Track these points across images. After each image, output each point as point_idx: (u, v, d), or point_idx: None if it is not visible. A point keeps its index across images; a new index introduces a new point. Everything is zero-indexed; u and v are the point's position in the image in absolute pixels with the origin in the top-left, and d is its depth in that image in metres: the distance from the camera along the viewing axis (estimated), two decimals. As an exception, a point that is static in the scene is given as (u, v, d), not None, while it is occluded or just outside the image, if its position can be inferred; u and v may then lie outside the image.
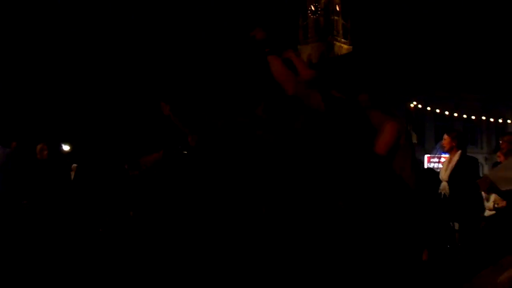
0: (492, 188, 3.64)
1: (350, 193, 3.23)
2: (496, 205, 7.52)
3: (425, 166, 34.27)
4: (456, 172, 7.21)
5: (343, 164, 3.27)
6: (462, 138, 7.72)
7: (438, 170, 9.22)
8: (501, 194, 4.20)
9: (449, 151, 7.50)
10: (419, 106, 40.63)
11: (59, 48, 43.32)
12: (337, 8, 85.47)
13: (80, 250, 6.80)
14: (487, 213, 7.53)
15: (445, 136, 7.59)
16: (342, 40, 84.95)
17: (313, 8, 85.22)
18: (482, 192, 7.66)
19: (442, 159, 30.39)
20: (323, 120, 3.30)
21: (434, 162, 35.87)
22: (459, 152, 7.37)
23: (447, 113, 41.81)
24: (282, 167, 3.67)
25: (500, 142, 7.36)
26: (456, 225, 7.59)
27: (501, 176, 3.62)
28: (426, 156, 39.81)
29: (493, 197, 7.52)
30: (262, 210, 3.80)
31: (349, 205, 3.21)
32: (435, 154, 38.21)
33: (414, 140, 46.57)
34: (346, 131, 3.32)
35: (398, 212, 3.42)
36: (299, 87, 3.35)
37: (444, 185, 7.33)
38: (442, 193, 7.30)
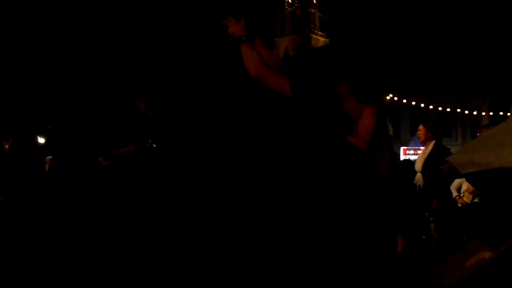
0: (453, 172, 3.66)
1: (326, 182, 3.22)
2: (457, 198, 7.62)
3: (401, 158, 34.56)
4: (429, 162, 7.23)
5: (316, 152, 3.26)
6: (438, 128, 7.71)
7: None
8: (468, 179, 4.23)
9: (424, 141, 7.50)
10: (395, 98, 40.92)
11: (34, 41, 42.73)
12: (314, 1, 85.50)
13: (61, 243, 6.73)
14: (467, 196, 7.63)
15: (421, 127, 7.58)
16: (319, 32, 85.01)
17: (290, 0, 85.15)
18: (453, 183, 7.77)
19: (419, 152, 30.69)
20: (294, 107, 3.28)
21: (410, 154, 36.21)
22: (433, 142, 7.38)
23: (422, 105, 42.19)
24: (256, 157, 3.66)
25: (478, 135, 7.42)
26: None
27: (460, 159, 3.65)
28: (402, 148, 40.20)
29: (465, 186, 7.61)
30: (239, 200, 3.80)
31: (325, 194, 3.20)
32: (413, 146, 38.60)
33: (390, 133, 46.96)
34: (317, 117, 3.31)
35: (373, 202, 3.43)
36: (261, 68, 3.34)
37: (418, 176, 7.35)
38: (417, 184, 7.33)
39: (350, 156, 3.36)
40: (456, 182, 7.67)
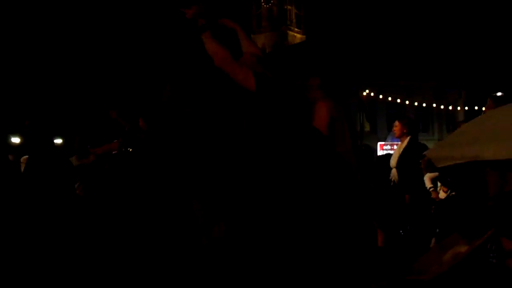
0: (430, 166, 3.73)
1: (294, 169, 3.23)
2: (431, 189, 7.68)
3: (378, 154, 34.82)
4: (403, 158, 7.27)
5: (278, 145, 3.28)
6: (413, 124, 7.77)
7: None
8: (442, 178, 4.32)
9: (400, 137, 7.55)
10: (372, 94, 41.13)
11: (6, 39, 42.21)
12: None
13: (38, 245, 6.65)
14: (442, 194, 7.69)
15: (396, 123, 7.64)
16: (296, 29, 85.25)
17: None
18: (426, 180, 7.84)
19: (395, 147, 30.93)
20: (257, 100, 3.30)
21: (387, 150, 36.48)
22: (408, 138, 7.42)
23: (399, 101, 42.46)
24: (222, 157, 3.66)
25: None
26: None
27: (437, 154, 3.73)
28: (379, 144, 40.52)
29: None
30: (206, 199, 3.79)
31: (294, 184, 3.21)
32: (390, 141, 38.92)
33: (367, 128, 47.34)
34: (280, 109, 3.33)
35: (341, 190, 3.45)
36: (226, 61, 3.35)
37: (393, 171, 7.39)
38: (392, 179, 7.37)
39: (315, 140, 3.38)
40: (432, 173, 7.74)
